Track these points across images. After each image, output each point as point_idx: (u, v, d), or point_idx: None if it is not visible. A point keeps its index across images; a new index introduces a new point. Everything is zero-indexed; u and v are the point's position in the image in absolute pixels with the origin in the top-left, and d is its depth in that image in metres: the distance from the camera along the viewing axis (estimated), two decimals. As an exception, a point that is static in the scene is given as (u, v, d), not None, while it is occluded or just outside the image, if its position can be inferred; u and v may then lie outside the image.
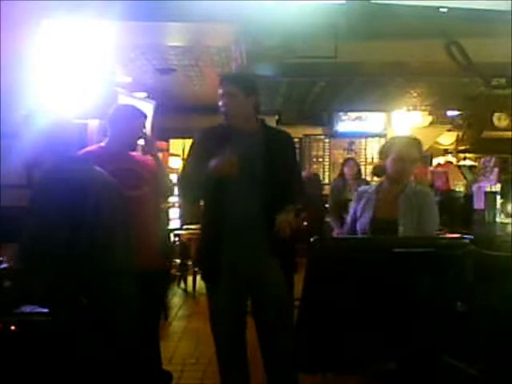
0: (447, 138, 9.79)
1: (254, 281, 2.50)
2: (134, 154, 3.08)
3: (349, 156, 7.87)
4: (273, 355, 2.54)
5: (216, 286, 2.51)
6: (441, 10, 3.81)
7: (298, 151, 9.34)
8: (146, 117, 3.08)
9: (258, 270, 2.47)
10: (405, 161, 2.79)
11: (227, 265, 2.46)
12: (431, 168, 4.98)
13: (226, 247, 2.46)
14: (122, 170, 2.73)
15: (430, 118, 8.94)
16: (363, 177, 6.57)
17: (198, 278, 6.45)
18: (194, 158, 2.56)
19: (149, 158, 3.15)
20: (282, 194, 2.46)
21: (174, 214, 6.96)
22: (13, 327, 2.51)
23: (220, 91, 2.55)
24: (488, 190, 3.79)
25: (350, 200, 5.51)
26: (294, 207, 2.48)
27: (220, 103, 2.54)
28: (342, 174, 5.90)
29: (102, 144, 3.02)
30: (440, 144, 9.81)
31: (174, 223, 6.92)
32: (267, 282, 2.48)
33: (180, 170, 2.69)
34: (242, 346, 2.59)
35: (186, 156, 2.68)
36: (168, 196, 3.49)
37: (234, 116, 2.52)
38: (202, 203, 2.73)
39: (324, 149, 9.66)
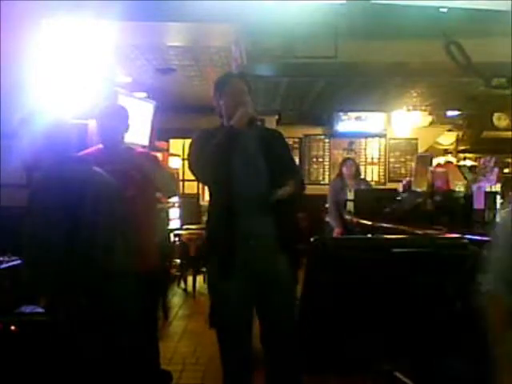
0: (447, 138, 9.78)
1: (263, 277, 2.48)
2: (134, 151, 3.08)
3: (347, 156, 7.87)
4: (277, 355, 2.50)
5: (226, 281, 2.48)
6: (441, 10, 3.82)
7: (297, 151, 9.36)
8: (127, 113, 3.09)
9: (267, 266, 2.47)
10: None
11: (238, 260, 2.45)
12: (431, 168, 4.98)
13: (237, 243, 2.46)
14: (113, 171, 2.72)
15: (429, 118, 8.93)
16: (362, 176, 6.58)
17: (198, 278, 6.46)
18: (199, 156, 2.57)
19: (148, 156, 3.15)
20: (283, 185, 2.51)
21: (174, 214, 6.96)
22: (13, 327, 2.51)
23: (232, 88, 2.57)
24: (488, 190, 3.79)
25: (350, 200, 5.56)
26: (293, 182, 2.52)
27: (233, 99, 2.54)
28: (340, 174, 5.91)
29: (100, 146, 3.02)
30: (440, 144, 9.80)
31: (174, 223, 6.93)
32: (276, 279, 2.47)
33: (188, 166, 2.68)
34: (248, 342, 2.57)
35: (188, 158, 2.66)
36: (170, 196, 3.49)
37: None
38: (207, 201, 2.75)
39: (324, 149, 9.65)
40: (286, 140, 2.83)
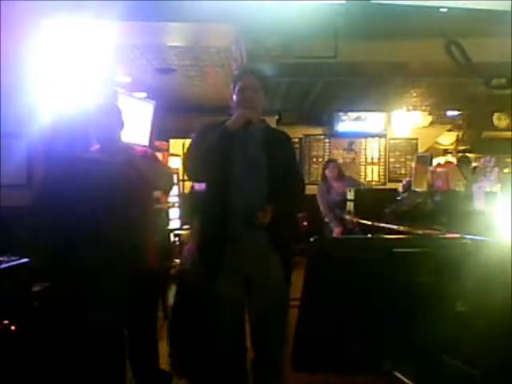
0: (447, 138, 9.78)
1: (254, 278, 2.49)
2: (132, 149, 3.07)
3: (330, 158, 7.92)
4: (263, 353, 2.53)
5: (216, 283, 2.48)
6: (441, 9, 3.82)
7: (297, 151, 9.35)
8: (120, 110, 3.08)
9: (259, 267, 2.47)
10: None
11: (229, 261, 2.45)
12: (431, 168, 4.98)
13: (228, 244, 2.46)
14: (110, 170, 2.71)
15: (430, 118, 8.93)
16: (350, 175, 6.62)
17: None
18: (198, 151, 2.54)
19: (145, 154, 3.15)
20: (282, 191, 2.50)
21: (174, 214, 6.95)
22: (13, 327, 2.51)
23: (243, 83, 2.55)
24: (488, 190, 3.79)
25: (350, 200, 5.56)
26: (273, 208, 2.46)
27: (240, 95, 2.54)
28: (324, 177, 5.94)
29: (97, 146, 3.01)
30: (440, 144, 9.80)
31: (174, 223, 6.92)
32: (268, 280, 2.48)
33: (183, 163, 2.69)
34: (241, 343, 2.57)
35: (186, 150, 2.65)
36: (167, 190, 3.48)
37: (255, 111, 2.53)
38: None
39: (324, 149, 9.65)
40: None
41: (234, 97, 2.58)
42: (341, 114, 9.26)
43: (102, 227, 2.26)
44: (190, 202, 3.30)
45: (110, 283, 2.32)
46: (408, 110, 8.57)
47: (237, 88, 2.56)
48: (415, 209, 4.11)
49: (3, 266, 2.77)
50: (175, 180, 6.47)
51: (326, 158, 9.56)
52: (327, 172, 5.90)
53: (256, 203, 2.46)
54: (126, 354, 2.71)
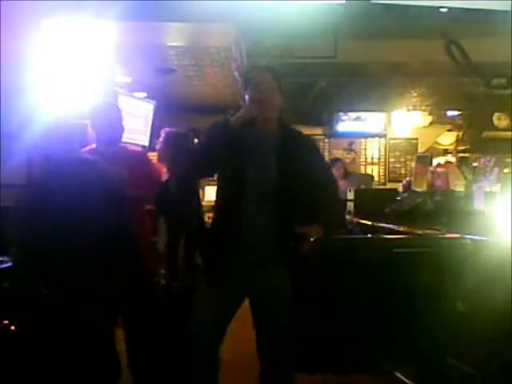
0: (447, 138, 9.77)
1: (259, 289, 2.30)
2: (128, 151, 3.07)
3: (335, 157, 7.88)
4: (272, 361, 2.33)
5: (214, 287, 2.32)
6: (441, 10, 3.83)
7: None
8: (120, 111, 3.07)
9: (265, 278, 2.27)
10: None
11: (233, 269, 2.30)
12: (431, 168, 4.98)
13: (235, 252, 2.28)
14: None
15: (430, 118, 8.93)
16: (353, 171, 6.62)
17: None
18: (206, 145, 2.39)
19: (141, 156, 3.14)
20: (300, 201, 2.30)
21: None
22: (13, 327, 2.51)
23: (257, 80, 2.41)
24: (488, 190, 3.79)
25: (350, 200, 5.56)
26: (323, 227, 2.13)
27: (253, 93, 2.37)
28: None
29: (94, 146, 3.00)
30: (440, 144, 9.79)
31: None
32: (274, 291, 2.27)
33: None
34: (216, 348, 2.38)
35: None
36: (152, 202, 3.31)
37: (266, 108, 2.38)
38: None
39: (324, 149, 9.64)
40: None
41: (246, 95, 2.40)
42: (341, 114, 9.25)
43: (89, 227, 2.24)
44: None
45: (95, 284, 2.31)
46: (408, 109, 8.56)
47: (250, 86, 2.40)
48: (415, 209, 4.11)
49: (3, 266, 2.77)
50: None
51: (327, 158, 9.56)
52: (334, 171, 5.88)
53: (268, 215, 2.25)
54: (117, 356, 2.70)
